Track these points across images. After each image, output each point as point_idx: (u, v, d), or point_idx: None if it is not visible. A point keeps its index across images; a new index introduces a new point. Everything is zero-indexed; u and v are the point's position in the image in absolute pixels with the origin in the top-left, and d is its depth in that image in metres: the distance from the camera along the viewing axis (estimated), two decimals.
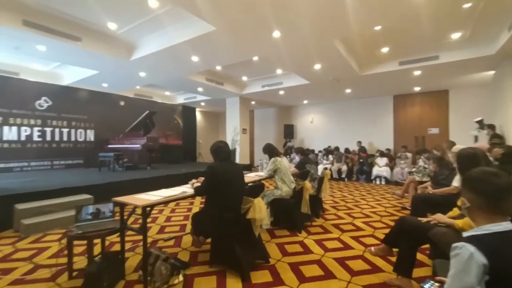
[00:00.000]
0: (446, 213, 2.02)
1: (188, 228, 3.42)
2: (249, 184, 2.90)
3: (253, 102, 10.52)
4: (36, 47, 4.70)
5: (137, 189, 2.68)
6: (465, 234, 1.00)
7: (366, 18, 3.72)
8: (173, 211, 4.39)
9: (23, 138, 6.39)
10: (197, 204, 4.88)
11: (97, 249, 2.41)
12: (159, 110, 8.50)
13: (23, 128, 6.38)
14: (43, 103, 6.75)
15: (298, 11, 3.50)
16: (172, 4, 3.72)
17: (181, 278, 2.14)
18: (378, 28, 4.23)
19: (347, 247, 2.87)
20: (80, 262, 2.43)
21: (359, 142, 8.80)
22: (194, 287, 2.06)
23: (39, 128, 6.68)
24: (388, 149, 8.43)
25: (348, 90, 8.26)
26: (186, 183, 2.85)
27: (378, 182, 7.57)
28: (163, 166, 7.81)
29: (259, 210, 2.20)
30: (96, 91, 7.93)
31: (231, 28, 3.99)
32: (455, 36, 4.71)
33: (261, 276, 2.21)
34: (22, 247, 2.89)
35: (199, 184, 2.47)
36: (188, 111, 11.36)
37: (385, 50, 5.46)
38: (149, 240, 3.04)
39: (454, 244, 0.94)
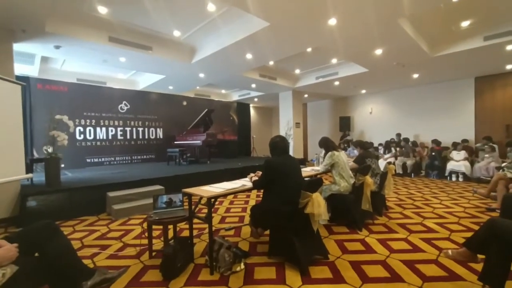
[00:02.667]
0: None
1: (247, 219, 3.59)
2: (307, 179, 2.88)
3: (306, 95, 10.28)
4: (119, 59, 5.51)
5: (199, 182, 2.94)
6: None
7: None
8: (231, 202, 4.66)
9: (110, 137, 7.66)
10: (253, 197, 5.07)
11: (169, 234, 2.73)
12: (216, 107, 9.06)
13: (110, 129, 7.65)
14: (124, 106, 7.94)
15: None
16: (227, 5, 3.89)
17: (242, 266, 2.28)
18: None
19: (416, 249, 2.61)
20: (157, 244, 2.80)
21: (426, 135, 7.78)
22: (255, 276, 2.17)
23: (121, 128, 7.89)
24: (465, 140, 7.21)
25: (415, 75, 7.34)
26: (243, 176, 3.00)
27: (454, 179, 6.58)
28: (220, 160, 8.32)
29: (318, 205, 2.17)
30: (163, 93, 8.91)
31: (284, 22, 3.95)
32: None
33: (320, 272, 2.19)
34: (114, 228, 3.48)
35: (256, 178, 2.56)
36: (242, 107, 11.78)
37: (465, 24, 4.65)
38: (212, 229, 3.30)
39: None
